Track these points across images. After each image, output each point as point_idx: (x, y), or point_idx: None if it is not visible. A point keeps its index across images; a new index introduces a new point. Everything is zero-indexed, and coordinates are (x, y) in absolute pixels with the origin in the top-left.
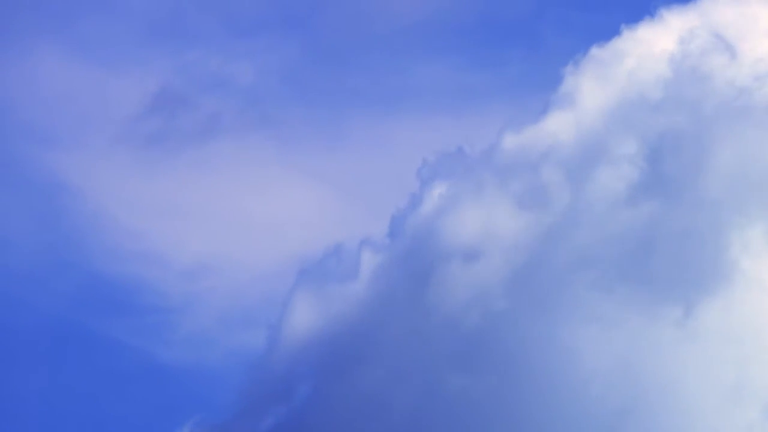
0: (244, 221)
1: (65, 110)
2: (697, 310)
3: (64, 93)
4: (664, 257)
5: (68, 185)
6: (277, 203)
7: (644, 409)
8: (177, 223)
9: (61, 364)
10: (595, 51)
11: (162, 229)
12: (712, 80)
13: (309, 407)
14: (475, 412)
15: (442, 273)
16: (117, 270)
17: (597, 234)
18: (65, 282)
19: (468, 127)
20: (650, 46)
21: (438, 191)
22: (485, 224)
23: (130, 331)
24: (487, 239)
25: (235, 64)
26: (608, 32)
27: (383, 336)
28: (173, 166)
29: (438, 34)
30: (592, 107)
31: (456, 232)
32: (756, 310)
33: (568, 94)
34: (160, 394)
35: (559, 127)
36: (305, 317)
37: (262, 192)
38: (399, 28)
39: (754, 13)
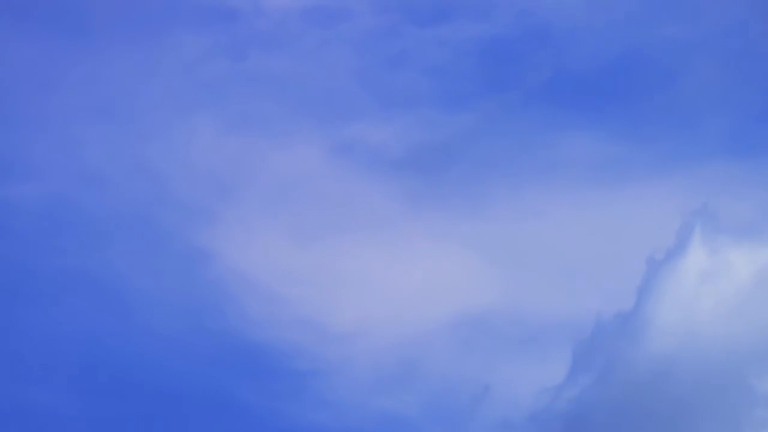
0: (393, 286)
1: (217, 181)
2: None
3: (217, 164)
4: None
5: (219, 255)
6: (425, 268)
7: None
8: (328, 289)
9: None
10: None
11: (311, 295)
12: None
13: None
14: None
15: None
16: (268, 336)
17: None
18: (216, 348)
19: (612, 198)
20: None
21: None
22: None
23: (278, 395)
24: None
25: (385, 135)
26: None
27: None
28: (322, 234)
29: (587, 105)
30: None
31: None
32: None
33: None
34: None
35: None
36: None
37: (410, 257)
38: (547, 100)
39: None
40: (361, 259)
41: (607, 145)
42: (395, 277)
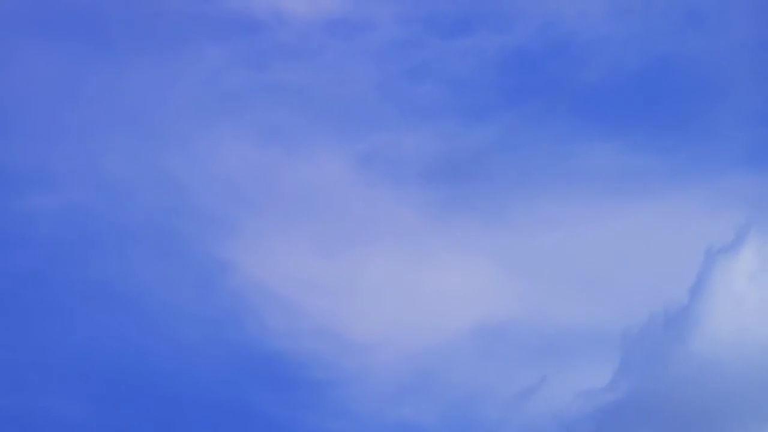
0: (413, 296)
1: (238, 192)
2: None
3: (238, 175)
4: None
5: (240, 265)
6: (445, 278)
7: None
8: (347, 299)
9: None
10: None
11: (331, 305)
12: None
13: None
14: None
15: None
16: (287, 346)
17: None
18: (235, 358)
19: (633, 209)
20: None
21: None
22: None
23: (297, 404)
24: None
25: (406, 147)
26: None
27: None
28: (342, 245)
29: (609, 117)
30: None
31: None
32: None
33: None
34: None
35: None
36: None
37: (430, 267)
38: (569, 112)
39: None
40: (381, 270)
41: (628, 156)
42: (415, 287)
